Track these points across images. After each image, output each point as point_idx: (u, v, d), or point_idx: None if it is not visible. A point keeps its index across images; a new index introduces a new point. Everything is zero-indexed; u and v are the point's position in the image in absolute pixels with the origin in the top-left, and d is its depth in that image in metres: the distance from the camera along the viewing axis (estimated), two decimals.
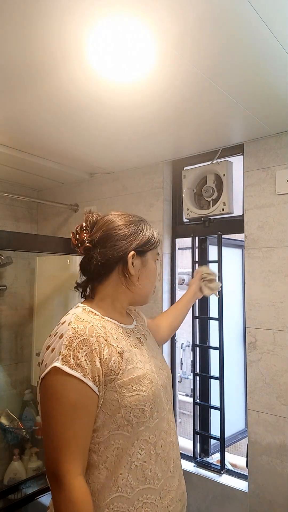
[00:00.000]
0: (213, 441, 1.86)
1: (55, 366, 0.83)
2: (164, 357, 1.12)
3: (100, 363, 0.86)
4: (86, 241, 1.00)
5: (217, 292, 1.51)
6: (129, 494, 0.87)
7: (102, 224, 1.01)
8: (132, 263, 0.99)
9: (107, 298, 1.00)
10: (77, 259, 2.01)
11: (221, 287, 1.66)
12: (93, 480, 0.88)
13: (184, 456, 1.88)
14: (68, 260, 1.99)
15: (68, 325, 0.89)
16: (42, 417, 0.85)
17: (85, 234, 1.01)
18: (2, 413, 1.95)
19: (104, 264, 0.98)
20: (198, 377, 1.90)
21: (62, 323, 0.92)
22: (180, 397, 3.72)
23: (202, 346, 1.89)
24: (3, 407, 1.99)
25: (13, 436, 1.93)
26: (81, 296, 1.05)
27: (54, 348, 0.87)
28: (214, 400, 1.83)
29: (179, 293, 2.06)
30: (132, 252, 0.99)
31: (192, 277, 1.57)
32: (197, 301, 1.91)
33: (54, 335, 0.91)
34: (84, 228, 1.02)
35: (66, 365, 0.83)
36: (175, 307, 1.44)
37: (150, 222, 2.02)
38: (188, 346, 4.47)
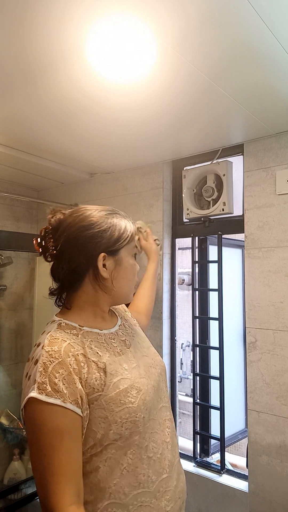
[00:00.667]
0: (213, 441, 1.86)
1: (31, 396, 0.78)
2: (155, 350, 1.06)
3: (81, 383, 0.81)
4: (51, 248, 0.91)
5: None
6: (123, 500, 0.84)
7: (66, 226, 0.90)
8: (104, 266, 0.91)
9: (86, 306, 0.93)
10: None
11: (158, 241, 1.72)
12: (85, 491, 0.83)
13: (184, 456, 1.88)
14: None
15: (42, 348, 0.82)
16: (30, 449, 0.80)
17: (49, 240, 0.91)
18: (2, 413, 1.96)
19: (74, 271, 0.90)
20: (198, 377, 1.90)
21: (38, 345, 0.85)
22: (180, 397, 3.72)
23: (202, 346, 1.89)
24: (3, 407, 1.99)
25: (13, 436, 1.93)
26: (55, 303, 0.96)
27: (30, 375, 0.82)
28: (214, 400, 1.83)
29: (179, 293, 2.06)
30: (102, 254, 0.90)
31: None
32: (197, 301, 1.92)
33: (31, 360, 0.84)
34: (49, 232, 0.92)
35: (43, 393, 0.77)
36: (145, 285, 1.43)
37: (150, 222, 2.02)
38: (188, 346, 4.47)
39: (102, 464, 0.84)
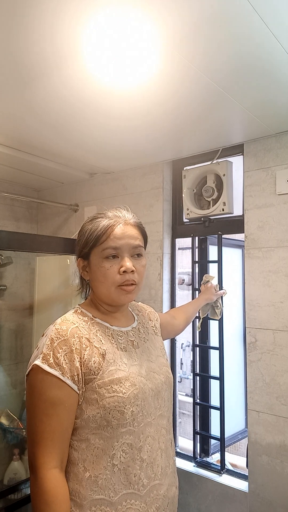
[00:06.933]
0: (213, 441, 1.85)
1: (35, 364, 0.88)
2: (165, 362, 1.09)
3: (80, 362, 0.88)
4: None
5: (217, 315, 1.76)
6: (112, 498, 0.87)
7: None
8: (84, 269, 1.03)
9: (92, 302, 1.04)
10: None
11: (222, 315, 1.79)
12: (72, 478, 0.89)
13: (184, 456, 1.88)
14: (68, 260, 1.99)
15: (53, 326, 0.93)
16: (26, 412, 0.89)
17: None
18: (2, 413, 1.95)
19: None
20: (198, 377, 1.90)
21: (52, 324, 0.96)
22: (180, 397, 3.72)
23: (202, 346, 1.89)
24: (3, 407, 1.98)
25: (13, 436, 1.92)
26: (84, 296, 1.11)
27: (39, 346, 0.92)
28: (214, 400, 1.83)
29: (179, 293, 2.06)
30: (78, 259, 1.03)
31: (200, 283, 1.79)
32: None
33: (44, 334, 0.94)
34: None
35: (45, 363, 0.86)
36: (189, 306, 1.57)
37: (149, 222, 2.02)
38: (188, 346, 4.46)
39: (90, 453, 0.89)
